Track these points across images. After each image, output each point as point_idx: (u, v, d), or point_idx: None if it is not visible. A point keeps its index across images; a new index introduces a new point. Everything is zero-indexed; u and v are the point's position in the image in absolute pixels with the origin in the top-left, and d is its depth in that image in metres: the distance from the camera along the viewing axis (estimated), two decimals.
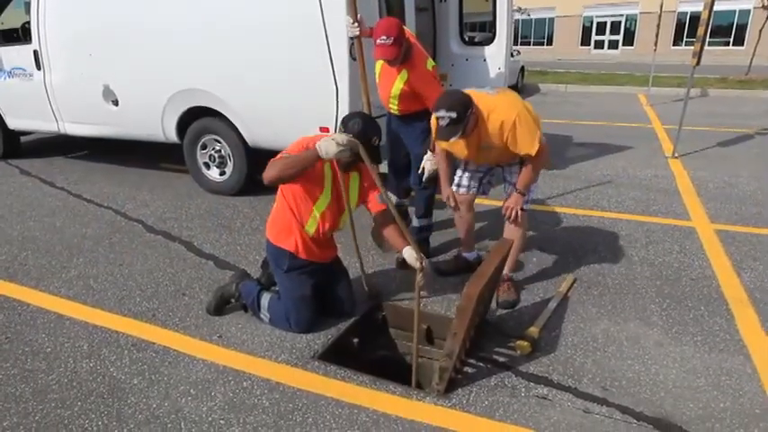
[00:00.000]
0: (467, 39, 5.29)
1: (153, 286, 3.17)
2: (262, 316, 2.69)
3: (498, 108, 2.59)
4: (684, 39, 26.55)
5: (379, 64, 3.28)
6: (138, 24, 4.71)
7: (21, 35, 5.84)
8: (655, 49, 11.28)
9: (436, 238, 3.72)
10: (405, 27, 3.09)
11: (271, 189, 2.58)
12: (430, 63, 3.20)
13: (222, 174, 4.95)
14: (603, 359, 2.42)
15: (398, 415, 2.08)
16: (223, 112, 4.58)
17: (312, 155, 2.30)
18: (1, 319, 2.82)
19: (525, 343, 2.45)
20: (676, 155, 6.20)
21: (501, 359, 2.43)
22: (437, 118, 2.52)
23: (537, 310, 2.82)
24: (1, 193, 5.11)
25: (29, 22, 5.48)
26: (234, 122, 4.57)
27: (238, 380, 2.28)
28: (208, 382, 2.26)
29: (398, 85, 3.12)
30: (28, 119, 6.07)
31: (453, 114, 2.46)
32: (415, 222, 3.59)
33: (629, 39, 28.37)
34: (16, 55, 5.72)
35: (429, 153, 3.12)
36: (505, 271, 2.92)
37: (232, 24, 4.25)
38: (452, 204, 3.03)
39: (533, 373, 2.32)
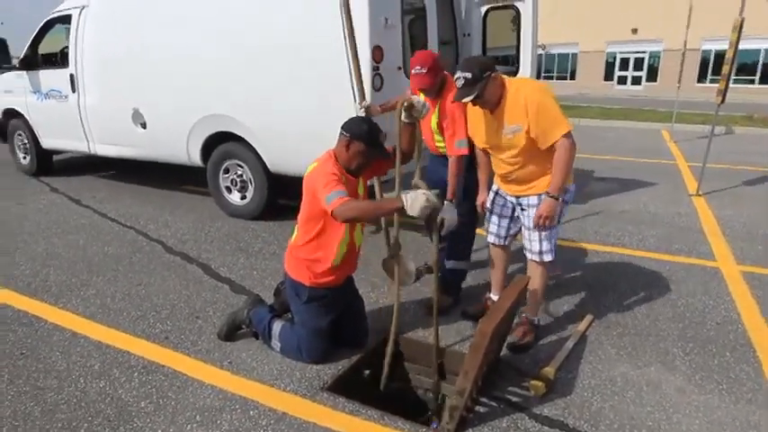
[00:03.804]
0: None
1: (168, 308, 3.18)
2: (273, 344, 2.67)
3: (525, 86, 2.52)
4: (708, 76, 26.42)
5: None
6: (166, 52, 4.90)
7: (59, 59, 6.09)
8: (678, 86, 11.19)
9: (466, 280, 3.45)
10: (440, 61, 2.99)
11: (289, 214, 2.59)
12: None
13: (243, 198, 5.01)
14: (622, 404, 2.33)
15: None
16: (246, 138, 4.66)
17: (394, 207, 2.15)
18: (19, 334, 2.86)
19: (540, 383, 2.37)
20: (700, 192, 6.08)
21: (514, 399, 2.36)
22: (455, 79, 2.48)
23: (553, 349, 2.74)
24: (31, 210, 5.25)
25: (67, 47, 5.73)
26: (256, 148, 4.65)
27: (245, 408, 2.25)
28: (215, 410, 2.24)
29: (434, 119, 3.02)
30: (61, 139, 6.30)
31: (468, 74, 2.40)
32: (449, 264, 3.24)
33: (652, 74, 28.36)
34: (54, 78, 5.97)
35: (447, 203, 2.80)
36: (526, 314, 2.85)
37: (256, 53, 4.37)
38: (482, 211, 2.95)
39: (548, 416, 2.24)
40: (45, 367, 2.54)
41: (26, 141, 6.69)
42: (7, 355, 2.66)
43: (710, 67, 26.35)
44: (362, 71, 3.91)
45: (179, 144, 5.09)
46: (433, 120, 3.02)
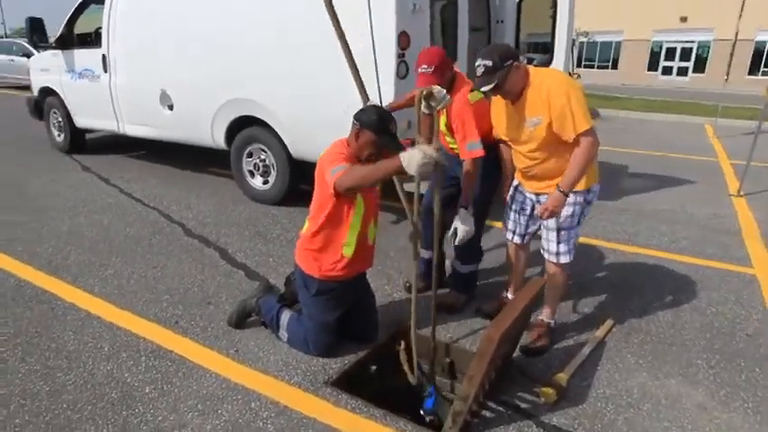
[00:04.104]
0: (524, 60, 5.15)
1: (182, 292, 3.20)
2: (280, 335, 2.65)
3: (550, 77, 2.38)
4: (761, 68, 25.10)
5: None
6: (194, 34, 4.89)
7: (93, 39, 6.18)
8: (726, 78, 10.68)
9: (483, 276, 3.38)
10: (448, 58, 2.84)
11: (310, 201, 2.53)
12: (474, 96, 2.81)
13: (265, 182, 5.01)
14: (637, 418, 2.21)
15: None
16: (270, 123, 4.64)
17: (393, 166, 2.01)
18: (35, 312, 2.92)
19: (551, 390, 2.28)
20: (742, 193, 5.77)
21: (523, 405, 2.28)
22: (476, 66, 2.35)
23: (568, 355, 2.63)
24: (62, 187, 5.38)
25: (101, 27, 5.80)
26: (279, 133, 4.62)
27: (247, 399, 2.24)
28: (217, 399, 2.23)
29: (443, 119, 2.87)
30: (93, 118, 6.42)
31: (489, 62, 2.28)
32: (462, 268, 3.10)
33: (700, 66, 27.11)
34: (87, 58, 6.07)
35: (463, 211, 2.72)
36: (542, 317, 2.75)
37: (283, 38, 4.31)
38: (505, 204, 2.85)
39: (556, 425, 2.15)
40: (57, 347, 2.59)
41: (60, 119, 6.84)
42: (23, 332, 2.72)
43: (764, 58, 25.02)
44: (388, 58, 3.85)
45: (204, 126, 5.11)
46: (442, 120, 2.86)
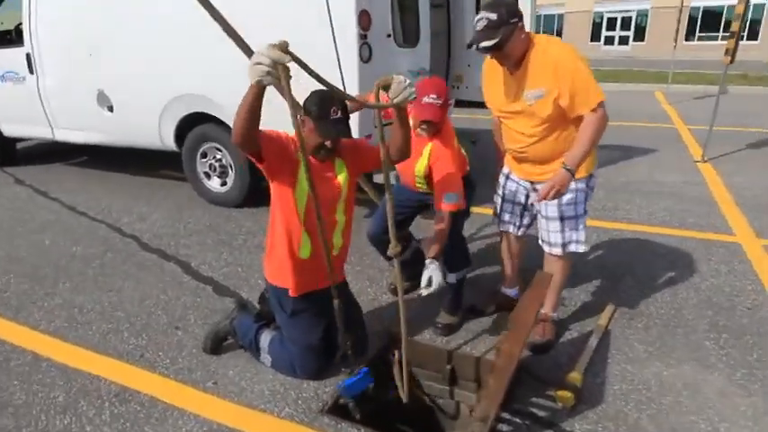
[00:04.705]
0: None
1: (143, 317, 2.85)
2: (262, 359, 2.36)
3: (555, 45, 2.14)
4: (697, 34, 26.00)
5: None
6: (131, 26, 4.40)
7: (14, 37, 5.55)
8: (675, 45, 10.82)
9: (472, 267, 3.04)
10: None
11: None
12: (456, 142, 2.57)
13: (224, 184, 4.63)
14: (660, 414, 2.07)
15: None
16: (223, 119, 4.25)
17: (250, 87, 1.71)
18: None
19: (568, 394, 2.10)
20: (706, 158, 5.82)
21: (540, 413, 2.09)
22: (476, 21, 2.08)
23: (576, 349, 2.47)
24: None
25: (22, 23, 5.20)
26: None
27: None
28: None
29: (423, 161, 2.48)
30: (21, 125, 5.80)
31: (493, 15, 2.01)
32: (451, 278, 2.63)
33: (639, 34, 27.84)
34: (9, 58, 5.44)
35: (433, 265, 2.30)
36: (545, 310, 2.55)
37: (231, 23, 3.92)
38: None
39: None
40: (1, 402, 2.21)
41: None
42: None
43: (698, 24, 25.92)
44: (348, 40, 3.54)
45: (150, 127, 4.65)
46: (421, 163, 2.48)
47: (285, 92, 1.59)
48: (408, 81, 1.83)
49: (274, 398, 2.19)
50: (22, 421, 2.09)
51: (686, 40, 25.89)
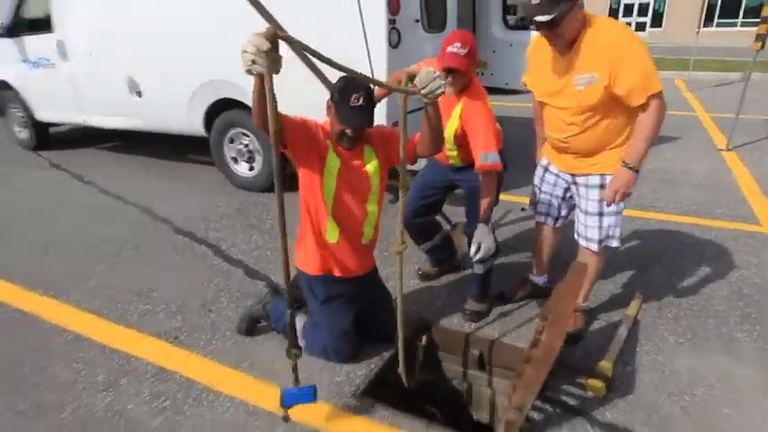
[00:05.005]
0: (511, 22, 4.87)
1: (178, 299, 2.90)
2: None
3: (612, 27, 2.00)
4: (715, 20, 25.36)
5: None
6: (162, 13, 4.42)
7: (46, 24, 5.57)
8: (698, 31, 10.57)
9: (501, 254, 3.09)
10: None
11: None
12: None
13: (251, 169, 4.66)
14: (693, 406, 2.07)
15: None
16: (250, 105, 4.26)
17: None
18: (17, 339, 2.58)
19: (599, 383, 2.11)
20: (730, 147, 5.72)
21: (571, 402, 2.11)
22: None
23: (605, 339, 2.47)
24: (30, 190, 4.90)
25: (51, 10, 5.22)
26: None
27: (270, 425, 2.00)
28: (238, 427, 1.99)
29: (453, 122, 2.39)
30: (54, 110, 5.86)
31: None
32: (477, 268, 2.66)
33: (656, 21, 27.22)
34: (41, 45, 5.47)
35: (482, 226, 2.40)
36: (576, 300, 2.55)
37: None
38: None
39: (611, 423, 2.00)
40: (46, 379, 2.28)
41: (22, 114, 6.25)
42: (7, 363, 2.39)
43: (717, 10, 25.26)
44: (377, 25, 3.51)
45: (178, 113, 4.68)
46: (451, 125, 2.41)
47: (266, 81, 1.54)
48: (438, 73, 1.75)
49: (308, 382, 2.23)
50: (65, 397, 2.15)
51: (705, 26, 25.30)
